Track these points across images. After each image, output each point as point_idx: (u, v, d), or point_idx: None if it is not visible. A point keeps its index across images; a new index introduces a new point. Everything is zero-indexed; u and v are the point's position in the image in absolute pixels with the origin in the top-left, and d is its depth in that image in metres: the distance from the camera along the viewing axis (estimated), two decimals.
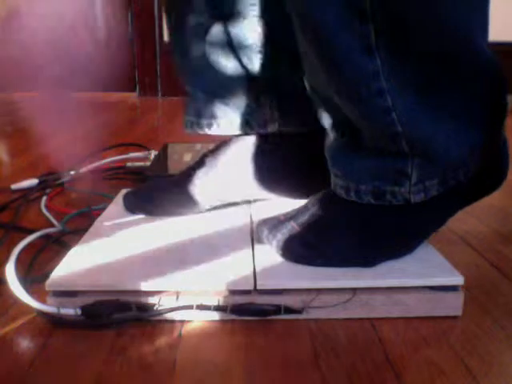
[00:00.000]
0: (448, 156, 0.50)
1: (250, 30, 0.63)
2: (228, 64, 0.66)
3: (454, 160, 0.51)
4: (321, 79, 0.51)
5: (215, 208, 0.70)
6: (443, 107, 0.48)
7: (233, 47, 0.65)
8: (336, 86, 0.49)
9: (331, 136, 0.56)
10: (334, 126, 0.54)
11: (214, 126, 0.69)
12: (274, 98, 0.67)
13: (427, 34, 0.45)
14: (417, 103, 0.47)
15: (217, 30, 0.65)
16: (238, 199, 0.70)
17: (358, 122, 0.51)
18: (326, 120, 0.55)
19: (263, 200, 0.73)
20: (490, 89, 0.50)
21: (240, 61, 0.65)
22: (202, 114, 0.70)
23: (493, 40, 0.50)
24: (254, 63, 0.65)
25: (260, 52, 0.64)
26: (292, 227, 0.55)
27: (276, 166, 0.68)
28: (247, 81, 0.66)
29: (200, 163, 0.70)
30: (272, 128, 0.68)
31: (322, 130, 0.58)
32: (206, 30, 0.65)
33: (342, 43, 0.45)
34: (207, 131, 0.70)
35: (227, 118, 0.68)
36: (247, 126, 0.68)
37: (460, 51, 0.46)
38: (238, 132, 0.69)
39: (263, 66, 0.65)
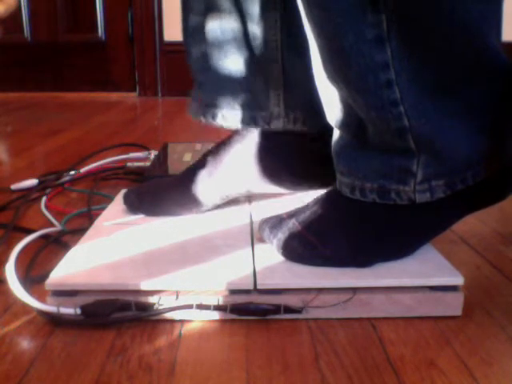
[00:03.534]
0: (455, 155, 0.50)
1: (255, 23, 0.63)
2: (230, 63, 0.65)
3: (462, 160, 0.50)
4: (329, 70, 0.50)
5: (216, 207, 0.70)
6: (452, 104, 0.48)
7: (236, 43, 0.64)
8: (344, 77, 0.49)
9: (337, 133, 0.56)
10: (341, 123, 0.54)
11: (219, 117, 0.68)
12: (281, 92, 0.66)
13: (439, 27, 0.44)
14: (425, 98, 0.47)
15: (213, 27, 0.64)
16: (238, 193, 0.70)
17: (366, 115, 0.50)
18: (333, 117, 0.55)
19: (263, 199, 0.73)
20: (503, 91, 0.49)
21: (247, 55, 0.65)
22: (207, 103, 0.70)
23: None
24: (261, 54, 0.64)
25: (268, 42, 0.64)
26: (293, 225, 0.55)
27: (277, 163, 0.68)
28: (254, 75, 0.66)
29: (201, 163, 0.70)
30: (276, 125, 0.67)
31: (323, 131, 0.58)
32: (204, 29, 0.65)
33: (352, 33, 0.45)
34: (211, 121, 0.69)
35: (233, 110, 0.68)
36: (252, 121, 0.68)
37: (472, 48, 0.46)
38: (241, 125, 0.68)
39: (271, 57, 0.64)
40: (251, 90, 0.67)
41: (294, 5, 0.52)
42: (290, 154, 0.68)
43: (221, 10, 0.64)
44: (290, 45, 0.64)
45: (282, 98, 0.66)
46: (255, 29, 0.63)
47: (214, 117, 0.69)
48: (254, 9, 0.63)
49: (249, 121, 0.68)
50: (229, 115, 0.68)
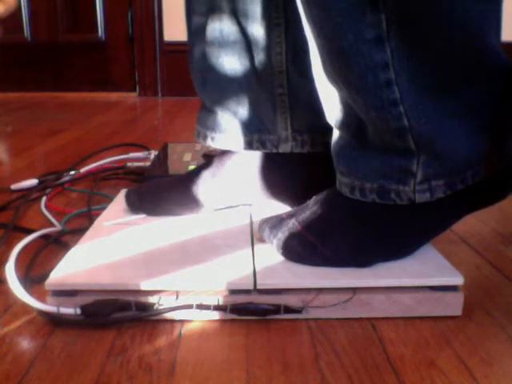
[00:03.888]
0: (455, 155, 0.50)
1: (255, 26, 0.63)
2: (230, 63, 0.65)
3: (462, 160, 0.50)
4: (329, 71, 0.50)
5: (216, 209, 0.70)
6: (452, 104, 0.48)
7: (236, 45, 0.64)
8: (344, 77, 0.49)
9: (337, 134, 0.56)
10: (341, 123, 0.54)
11: (226, 141, 0.69)
12: (288, 116, 0.66)
13: (439, 27, 0.44)
14: (425, 98, 0.47)
15: (213, 28, 0.64)
16: (239, 204, 0.70)
17: (366, 115, 0.50)
18: (333, 117, 0.55)
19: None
20: (503, 91, 0.49)
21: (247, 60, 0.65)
22: (210, 126, 0.70)
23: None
24: (262, 61, 0.64)
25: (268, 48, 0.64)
26: (293, 225, 0.55)
27: (282, 182, 0.68)
28: (257, 90, 0.66)
29: (206, 165, 0.70)
30: (284, 148, 0.67)
31: (328, 150, 0.58)
32: (205, 30, 0.65)
33: (352, 33, 0.45)
34: (211, 143, 0.70)
35: (236, 132, 0.68)
36: (260, 144, 0.68)
37: (472, 48, 0.46)
38: (246, 149, 0.68)
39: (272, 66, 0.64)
40: (257, 111, 0.67)
41: (297, 19, 0.52)
42: (295, 172, 0.68)
43: (221, 10, 0.64)
44: (295, 66, 0.64)
45: (290, 122, 0.66)
46: (256, 33, 0.63)
47: (220, 141, 0.69)
48: (255, 10, 0.63)
49: (257, 144, 0.68)
50: (236, 139, 0.68)
